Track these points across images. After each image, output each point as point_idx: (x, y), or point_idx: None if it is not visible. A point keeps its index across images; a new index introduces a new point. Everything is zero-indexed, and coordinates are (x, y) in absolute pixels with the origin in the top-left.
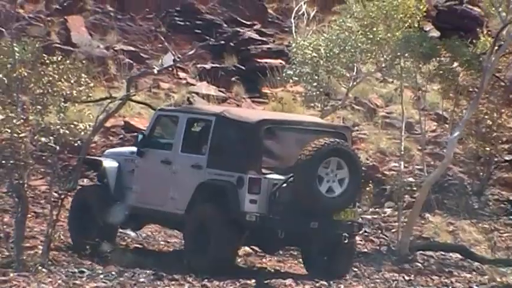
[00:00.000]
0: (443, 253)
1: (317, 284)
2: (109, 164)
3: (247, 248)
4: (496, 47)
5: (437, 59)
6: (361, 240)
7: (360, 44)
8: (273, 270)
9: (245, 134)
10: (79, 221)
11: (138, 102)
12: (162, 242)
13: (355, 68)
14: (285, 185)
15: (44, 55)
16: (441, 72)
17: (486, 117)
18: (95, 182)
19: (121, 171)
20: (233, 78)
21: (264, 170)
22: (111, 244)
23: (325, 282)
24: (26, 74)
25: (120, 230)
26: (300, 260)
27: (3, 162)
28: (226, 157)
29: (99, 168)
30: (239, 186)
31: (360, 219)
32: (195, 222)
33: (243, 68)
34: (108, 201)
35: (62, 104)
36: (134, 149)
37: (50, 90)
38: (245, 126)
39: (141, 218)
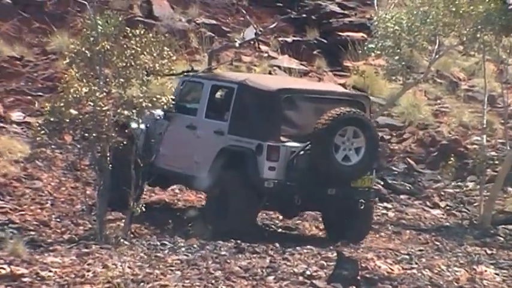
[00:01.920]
0: None
1: (398, 258)
2: (137, 125)
3: None
4: None
5: None
6: (443, 214)
7: (442, 17)
8: (354, 244)
9: (265, 102)
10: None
11: None
12: None
13: (437, 41)
14: (302, 152)
15: (127, 28)
16: None
17: None
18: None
19: (149, 133)
20: (315, 52)
21: (282, 138)
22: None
23: (406, 256)
24: (108, 47)
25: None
26: (382, 234)
27: (86, 135)
28: (246, 124)
29: (126, 128)
30: (258, 154)
31: (375, 186)
32: (215, 187)
33: (324, 41)
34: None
35: (145, 77)
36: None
37: (132, 64)
38: (265, 94)
39: (168, 179)
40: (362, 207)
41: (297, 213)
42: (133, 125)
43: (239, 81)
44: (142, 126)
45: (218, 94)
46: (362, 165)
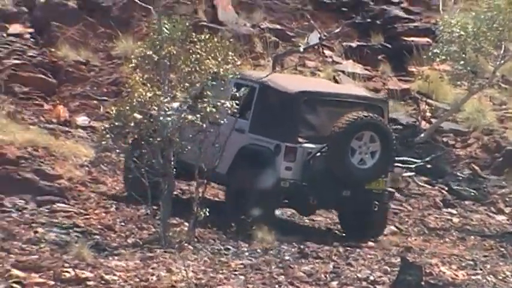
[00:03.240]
0: None
1: (463, 264)
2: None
3: (392, 227)
4: None
5: None
6: (508, 220)
7: (508, 22)
8: (418, 249)
9: (285, 103)
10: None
11: None
12: (307, 220)
13: (503, 46)
14: (318, 154)
15: (192, 33)
16: None
17: None
18: None
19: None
20: (379, 57)
21: (300, 139)
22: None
23: (471, 262)
24: (174, 52)
25: None
26: (446, 239)
27: (151, 139)
28: (266, 124)
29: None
30: (276, 153)
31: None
32: (235, 184)
33: (389, 46)
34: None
35: (209, 81)
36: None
37: (197, 68)
38: (285, 96)
39: (191, 173)
40: (376, 209)
41: (313, 211)
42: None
43: (261, 81)
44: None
45: (241, 92)
46: (377, 169)
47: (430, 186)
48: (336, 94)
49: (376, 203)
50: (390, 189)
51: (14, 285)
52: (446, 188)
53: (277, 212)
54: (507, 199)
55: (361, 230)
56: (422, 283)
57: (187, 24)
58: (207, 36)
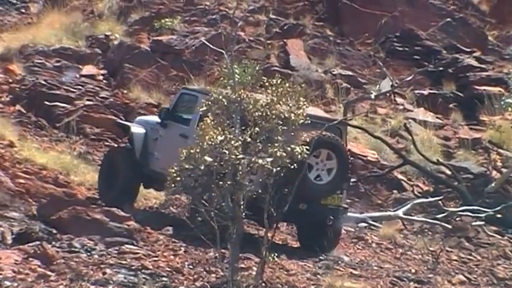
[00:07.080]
0: None
1: None
2: (136, 130)
3: (460, 276)
4: None
5: None
6: None
7: None
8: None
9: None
10: (106, 177)
11: (355, 127)
12: (375, 268)
13: None
14: (278, 168)
15: (263, 77)
16: None
17: None
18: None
19: (147, 137)
20: (451, 105)
21: None
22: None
23: None
24: (244, 96)
25: (334, 255)
26: None
27: (221, 183)
28: None
29: (128, 132)
30: None
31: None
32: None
33: (461, 94)
34: (132, 163)
35: (280, 126)
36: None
37: (268, 113)
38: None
39: (162, 182)
40: (330, 223)
41: (272, 223)
42: (133, 129)
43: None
44: (141, 130)
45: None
46: (332, 185)
47: (499, 236)
48: None
49: (331, 217)
50: (344, 205)
51: None
52: None
53: (346, 259)
54: None
55: (315, 242)
56: None
57: (257, 68)
58: (278, 81)
